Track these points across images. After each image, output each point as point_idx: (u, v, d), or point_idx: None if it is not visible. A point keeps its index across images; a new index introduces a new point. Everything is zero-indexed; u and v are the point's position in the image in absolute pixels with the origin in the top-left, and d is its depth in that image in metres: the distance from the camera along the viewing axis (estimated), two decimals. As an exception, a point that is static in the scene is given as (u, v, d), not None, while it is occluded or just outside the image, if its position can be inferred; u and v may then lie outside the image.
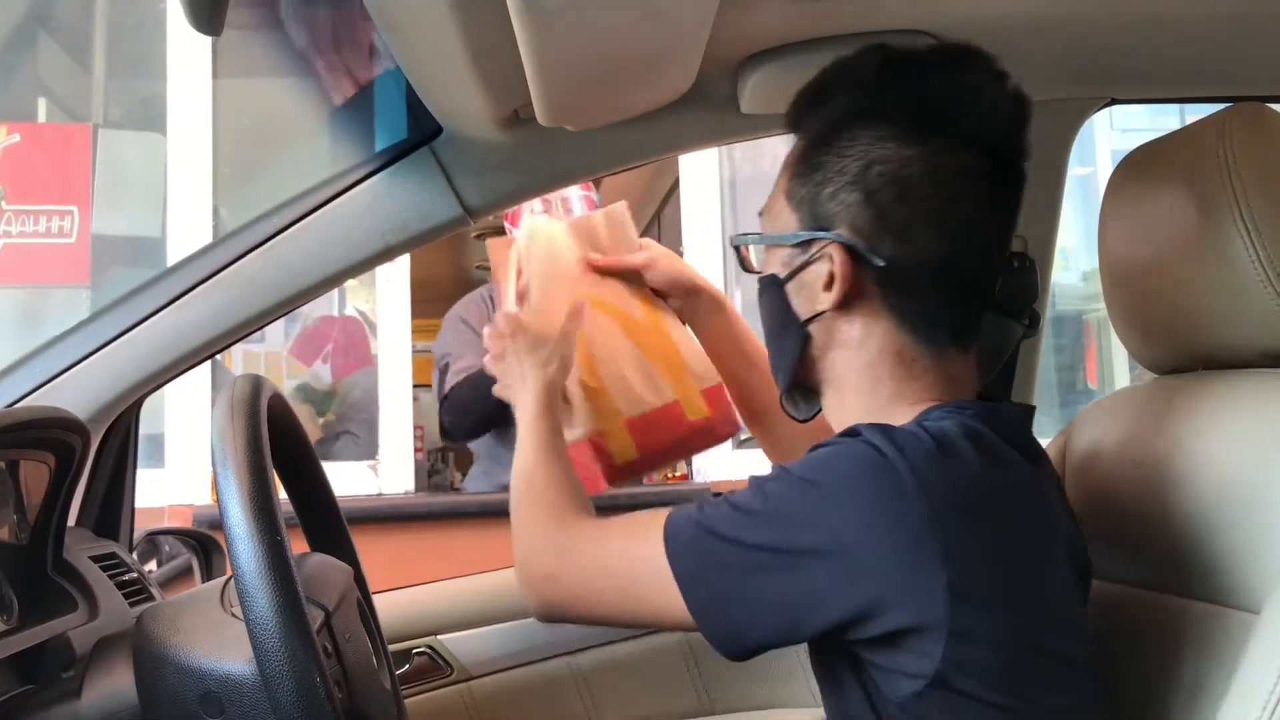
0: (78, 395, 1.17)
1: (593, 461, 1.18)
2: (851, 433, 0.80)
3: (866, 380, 0.88)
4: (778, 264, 0.91)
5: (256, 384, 0.85)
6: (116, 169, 2.85)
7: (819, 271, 0.86)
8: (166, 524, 2.15)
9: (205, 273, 1.19)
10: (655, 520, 0.84)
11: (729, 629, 0.80)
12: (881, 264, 0.84)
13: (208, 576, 1.46)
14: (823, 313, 0.87)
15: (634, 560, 0.85)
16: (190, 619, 0.81)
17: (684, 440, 1.22)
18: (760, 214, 0.95)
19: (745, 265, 0.97)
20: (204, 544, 1.49)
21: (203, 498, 2.55)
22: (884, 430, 0.78)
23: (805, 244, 0.87)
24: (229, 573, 1.27)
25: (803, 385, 0.93)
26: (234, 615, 0.78)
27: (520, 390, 1.09)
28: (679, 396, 1.21)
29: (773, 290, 0.91)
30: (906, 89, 0.85)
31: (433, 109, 1.15)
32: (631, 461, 1.21)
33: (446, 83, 1.07)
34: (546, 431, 1.05)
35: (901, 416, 0.83)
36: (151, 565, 1.73)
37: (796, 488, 0.78)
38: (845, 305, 0.86)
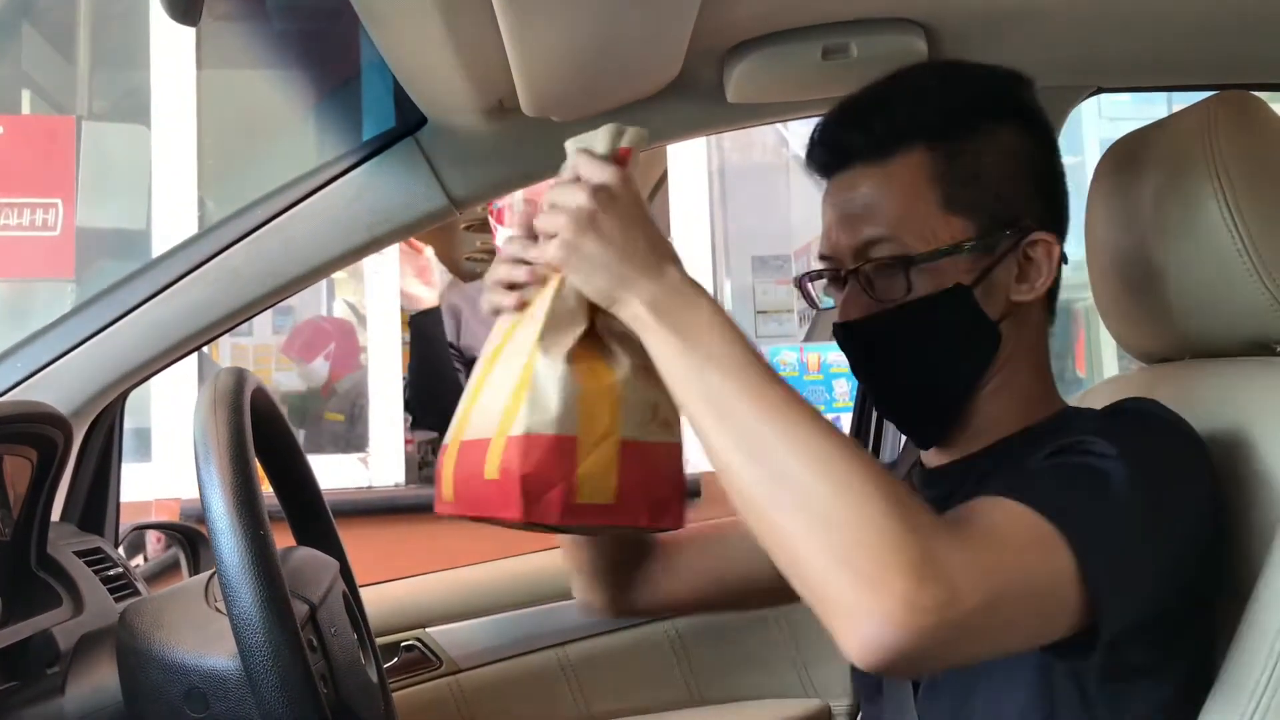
0: (61, 389, 1.16)
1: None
2: (1118, 408, 0.83)
3: (1036, 368, 0.90)
4: (953, 275, 0.86)
5: (240, 377, 0.84)
6: (101, 161, 2.83)
7: (1008, 268, 0.87)
8: (153, 518, 2.14)
9: (189, 265, 1.18)
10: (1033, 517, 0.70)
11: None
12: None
13: (195, 571, 1.45)
14: (1019, 305, 0.87)
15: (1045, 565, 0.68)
16: (174, 614, 0.80)
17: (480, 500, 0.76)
18: (870, 244, 0.87)
19: (869, 292, 0.87)
20: (190, 538, 1.48)
21: (190, 492, 2.53)
22: (1152, 403, 0.83)
23: (990, 243, 0.86)
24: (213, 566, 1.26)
25: (956, 405, 0.89)
26: (218, 610, 0.78)
27: (655, 293, 0.74)
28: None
29: (959, 301, 0.86)
30: (994, 87, 0.90)
31: (417, 99, 1.14)
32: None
33: (430, 73, 1.06)
34: (769, 374, 0.72)
35: (1057, 401, 0.90)
36: (138, 560, 1.73)
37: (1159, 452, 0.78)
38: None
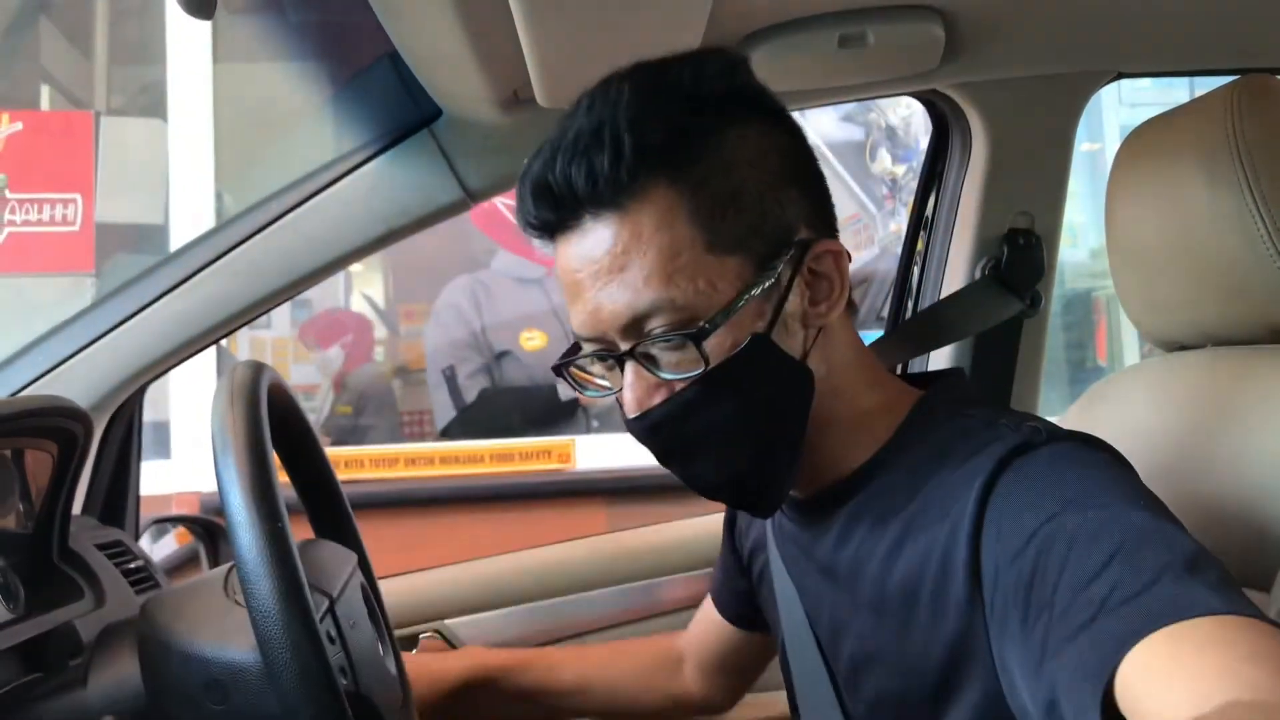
0: (81, 383, 1.17)
1: None
2: (1028, 444, 0.70)
3: (861, 372, 0.81)
4: (746, 326, 0.74)
5: (257, 370, 0.84)
6: (119, 156, 2.84)
7: (799, 293, 0.76)
8: (172, 512, 2.16)
9: (207, 259, 1.18)
10: None
11: None
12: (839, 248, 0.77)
13: (214, 563, 1.46)
14: (819, 333, 0.77)
15: None
16: (194, 606, 0.81)
17: None
18: (641, 318, 0.73)
19: (655, 372, 0.75)
20: (210, 530, 1.48)
21: (209, 486, 2.55)
22: (1049, 427, 0.73)
23: (772, 276, 0.74)
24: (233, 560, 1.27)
25: (791, 461, 0.79)
26: (237, 602, 0.78)
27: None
28: None
29: (761, 352, 0.74)
30: (716, 80, 0.77)
31: (432, 91, 1.14)
32: None
33: (445, 64, 1.06)
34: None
35: (882, 419, 0.80)
36: (158, 552, 1.74)
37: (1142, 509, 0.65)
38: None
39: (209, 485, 2.56)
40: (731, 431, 0.76)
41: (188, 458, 2.59)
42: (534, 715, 1.22)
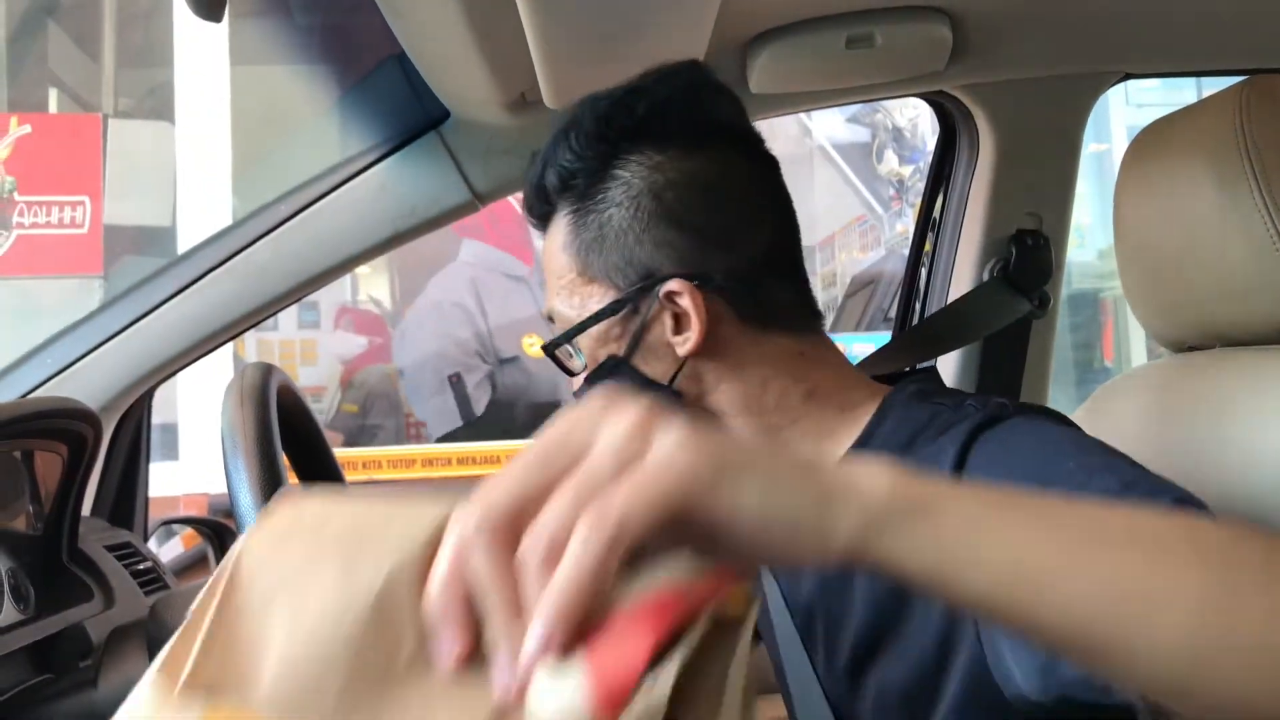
0: (90, 385, 1.18)
1: None
2: (993, 418, 0.70)
3: (770, 399, 0.82)
4: (607, 346, 0.82)
5: (266, 372, 0.85)
6: (127, 159, 2.86)
7: (661, 323, 0.80)
8: (181, 513, 2.16)
9: (215, 261, 1.19)
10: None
11: None
12: (719, 277, 0.80)
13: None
14: (685, 360, 0.80)
15: None
16: (204, 608, 0.81)
17: None
18: (550, 319, 0.86)
19: (569, 370, 0.86)
20: (219, 532, 1.49)
21: (217, 487, 2.56)
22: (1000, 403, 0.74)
23: (633, 306, 0.80)
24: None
25: None
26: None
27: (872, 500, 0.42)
28: None
29: (614, 370, 0.82)
30: (646, 113, 0.82)
31: (439, 93, 1.14)
32: None
33: (452, 66, 1.06)
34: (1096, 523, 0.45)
35: (852, 422, 0.80)
36: (166, 553, 1.74)
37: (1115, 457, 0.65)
38: (709, 338, 0.79)
39: (216, 487, 2.57)
40: None
41: (195, 459, 2.60)
42: None
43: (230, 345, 1.48)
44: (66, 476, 1.01)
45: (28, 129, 2.79)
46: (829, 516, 0.40)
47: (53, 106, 3.44)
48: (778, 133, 3.43)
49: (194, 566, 1.59)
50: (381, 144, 1.21)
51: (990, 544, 0.42)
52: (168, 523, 1.47)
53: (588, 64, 1.02)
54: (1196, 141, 0.89)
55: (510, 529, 0.38)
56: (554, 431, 0.40)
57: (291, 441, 0.94)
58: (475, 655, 0.37)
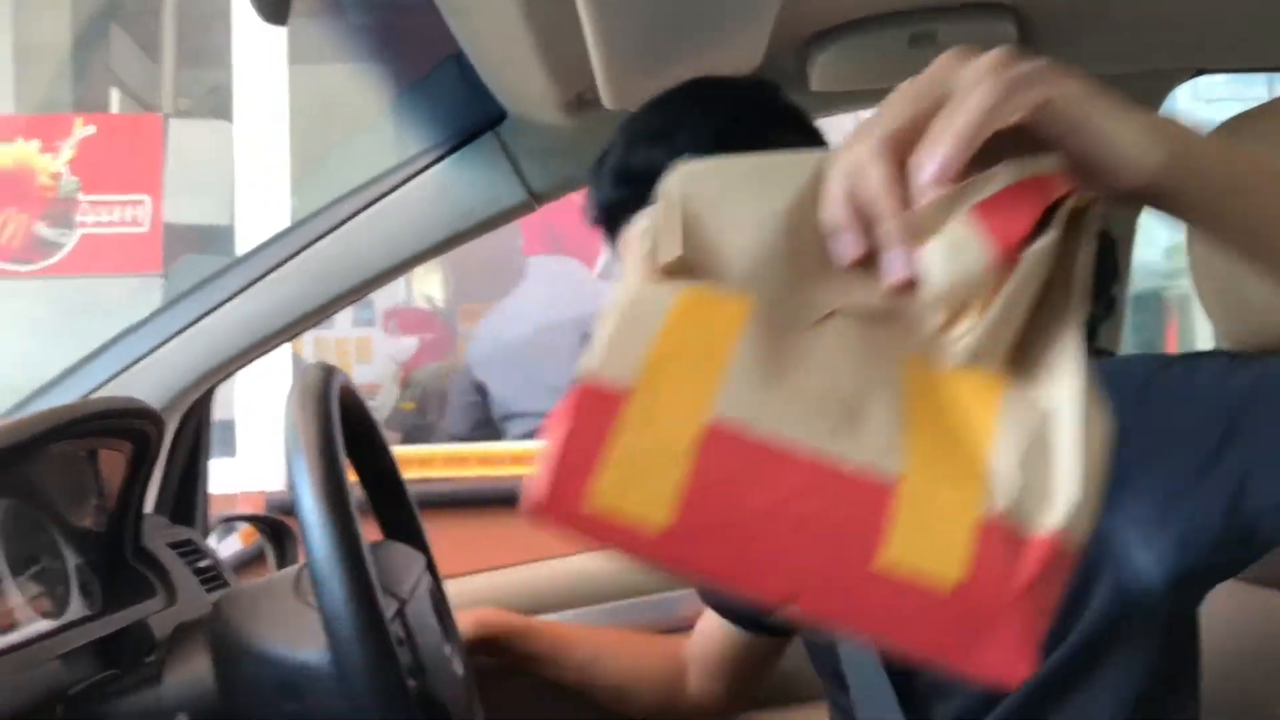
0: (152, 384, 1.19)
1: None
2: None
3: None
4: None
5: (328, 373, 0.85)
6: (186, 158, 2.90)
7: None
8: (239, 510, 2.19)
9: (274, 262, 1.20)
10: None
11: None
12: None
13: (281, 562, 1.48)
14: None
15: None
16: (266, 607, 0.81)
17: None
18: None
19: None
20: (277, 530, 1.50)
21: (274, 485, 2.58)
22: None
23: None
24: (300, 559, 1.28)
25: None
26: (308, 604, 0.79)
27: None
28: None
29: None
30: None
31: (497, 93, 1.14)
32: None
33: (511, 66, 1.06)
34: None
35: None
36: (225, 549, 1.76)
37: None
38: None
39: (274, 484, 2.59)
40: None
41: (253, 456, 2.62)
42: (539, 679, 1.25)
43: (288, 343, 1.49)
44: (130, 474, 1.02)
45: (92, 130, 2.84)
46: (1151, 144, 0.48)
47: (114, 107, 3.50)
48: (831, 126, 3.40)
49: (252, 563, 1.61)
50: (439, 145, 1.21)
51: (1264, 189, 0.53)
52: (227, 520, 1.49)
53: (647, 64, 1.01)
54: (1272, 138, 0.87)
55: (894, 149, 0.46)
56: (918, 78, 0.49)
57: (353, 443, 0.94)
58: (868, 258, 0.46)
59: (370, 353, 3.78)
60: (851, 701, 0.92)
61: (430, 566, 0.97)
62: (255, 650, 0.78)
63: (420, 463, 2.75)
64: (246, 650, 0.79)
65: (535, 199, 1.21)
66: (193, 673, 0.83)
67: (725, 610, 1.18)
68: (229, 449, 2.64)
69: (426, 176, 1.20)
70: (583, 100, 1.12)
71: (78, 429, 0.88)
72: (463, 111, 1.21)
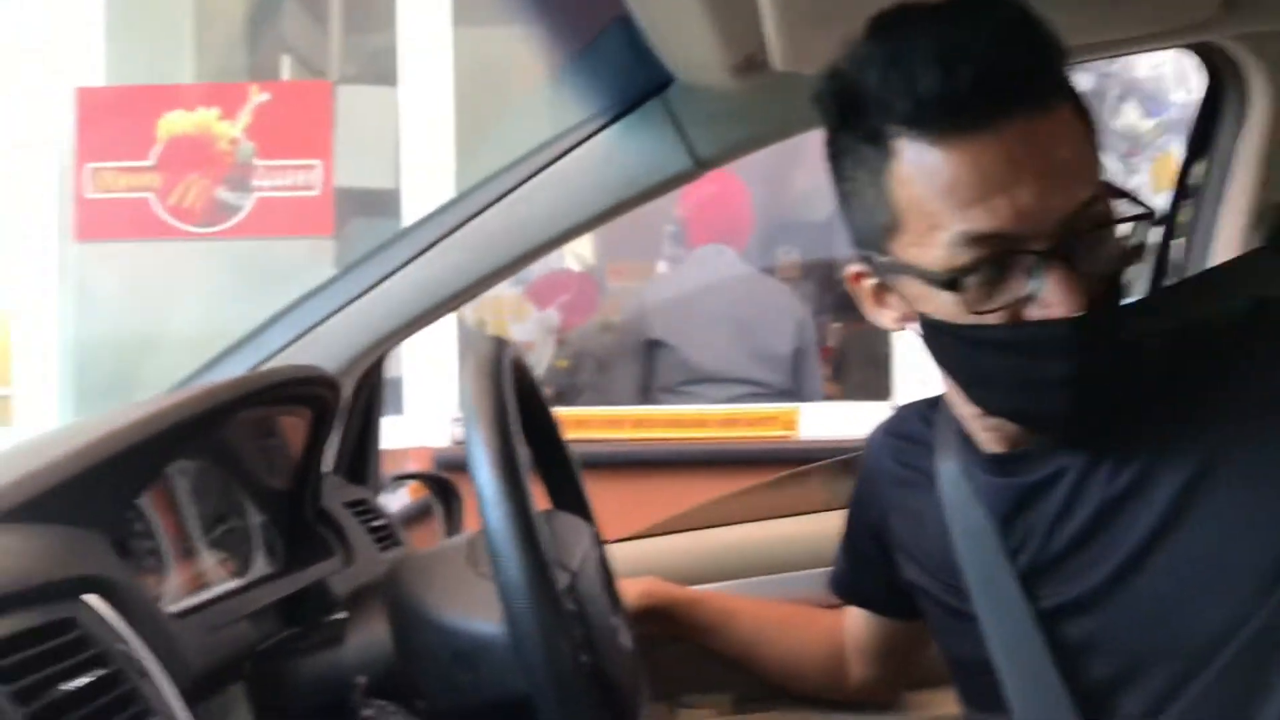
0: (328, 349, 1.23)
1: None
2: None
3: None
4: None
5: (500, 346, 0.86)
6: (354, 124, 2.98)
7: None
8: (409, 468, 2.26)
9: (444, 230, 1.21)
10: None
11: None
12: None
13: (448, 517, 1.52)
14: None
15: None
16: (441, 576, 0.83)
17: None
18: (1085, 206, 0.76)
19: (1074, 268, 0.78)
20: (444, 488, 1.54)
21: (441, 441, 2.66)
22: None
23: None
24: (466, 518, 1.31)
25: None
26: (481, 574, 0.80)
27: None
28: None
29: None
30: None
31: (664, 57, 1.12)
32: None
33: (680, 30, 1.04)
34: None
35: None
36: (394, 503, 1.82)
37: None
38: None
39: (440, 440, 2.67)
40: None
41: (420, 414, 2.70)
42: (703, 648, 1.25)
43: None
44: (310, 438, 1.05)
45: (266, 97, 2.94)
46: None
47: (284, 72, 3.62)
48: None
49: (420, 517, 1.66)
50: (604, 112, 1.20)
51: None
52: (399, 478, 1.54)
53: (822, 21, 0.97)
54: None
55: None
56: None
57: (523, 414, 0.95)
58: None
59: (526, 311, 3.84)
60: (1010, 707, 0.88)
61: (596, 537, 0.97)
62: (431, 618, 0.80)
63: (576, 424, 2.78)
64: (423, 618, 0.80)
65: (700, 165, 1.19)
66: (372, 636, 0.86)
67: (857, 597, 1.16)
68: (397, 407, 2.73)
69: (591, 144, 1.19)
70: (752, 62, 1.09)
71: (263, 397, 0.92)
72: (628, 77, 1.20)
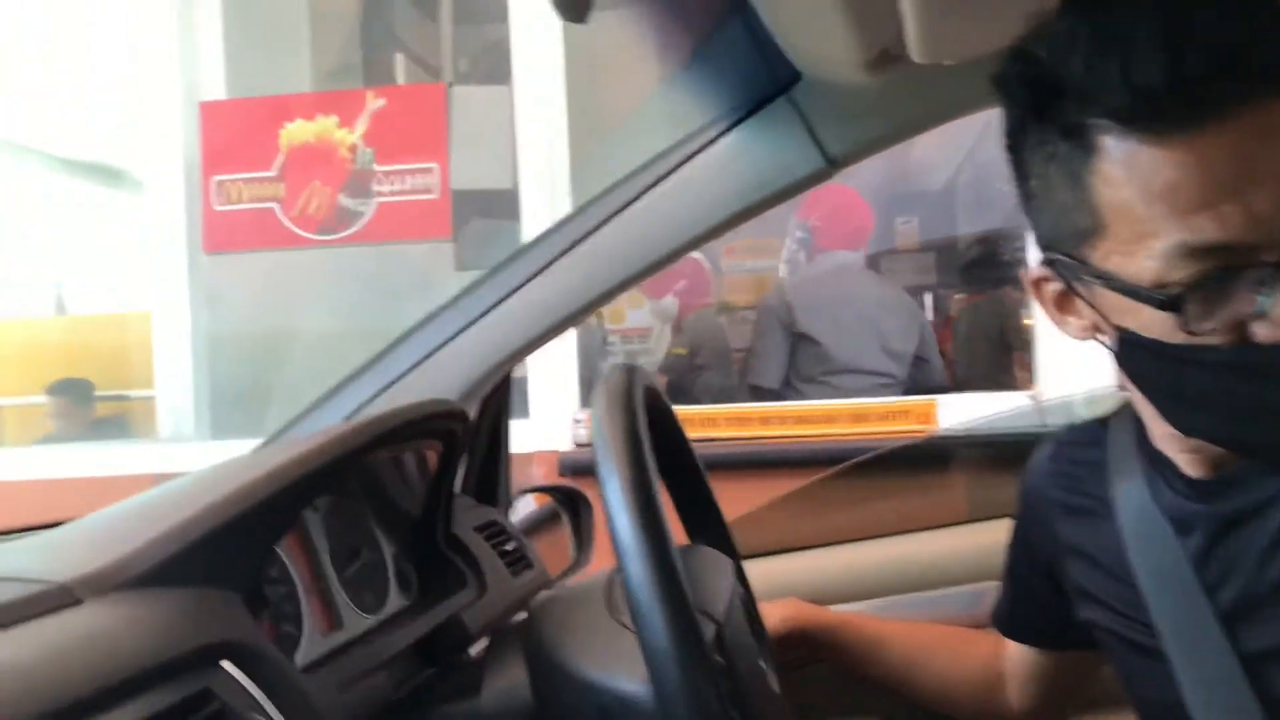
0: (455, 369, 1.20)
1: None
2: None
3: None
4: None
5: (631, 375, 0.82)
6: (469, 124, 2.98)
7: None
8: (535, 476, 2.25)
9: (566, 244, 1.17)
10: None
11: None
12: None
13: (576, 530, 1.49)
14: None
15: None
16: (580, 623, 0.79)
17: None
18: None
19: None
20: (572, 498, 1.52)
21: (566, 444, 2.64)
22: None
23: None
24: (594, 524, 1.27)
25: None
26: (623, 624, 0.76)
27: None
28: None
29: None
30: None
31: (791, 52, 1.05)
32: None
33: (810, 24, 0.97)
34: None
35: None
36: (520, 510, 1.80)
37: None
38: None
39: (565, 444, 2.66)
40: None
41: (545, 418, 2.69)
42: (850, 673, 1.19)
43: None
44: (440, 469, 1.03)
45: (382, 102, 2.96)
46: None
47: (398, 71, 3.65)
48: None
49: (545, 524, 1.64)
50: (728, 113, 1.14)
51: None
52: (527, 492, 1.52)
53: (972, 10, 0.90)
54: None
55: None
56: None
57: (657, 443, 0.90)
58: None
59: (641, 299, 3.82)
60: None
61: (740, 573, 0.93)
62: (572, 671, 0.76)
63: (702, 423, 2.73)
64: (564, 670, 0.77)
65: (832, 164, 1.12)
66: (510, 685, 0.83)
67: (1023, 633, 1.08)
68: (522, 410, 2.72)
69: (717, 147, 1.14)
70: (886, 56, 1.02)
71: (396, 436, 0.89)
72: (751, 75, 1.14)
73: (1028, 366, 2.97)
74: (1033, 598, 1.02)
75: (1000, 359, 3.87)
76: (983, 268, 4.51)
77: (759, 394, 3.00)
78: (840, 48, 1.00)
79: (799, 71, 1.10)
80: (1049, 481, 0.96)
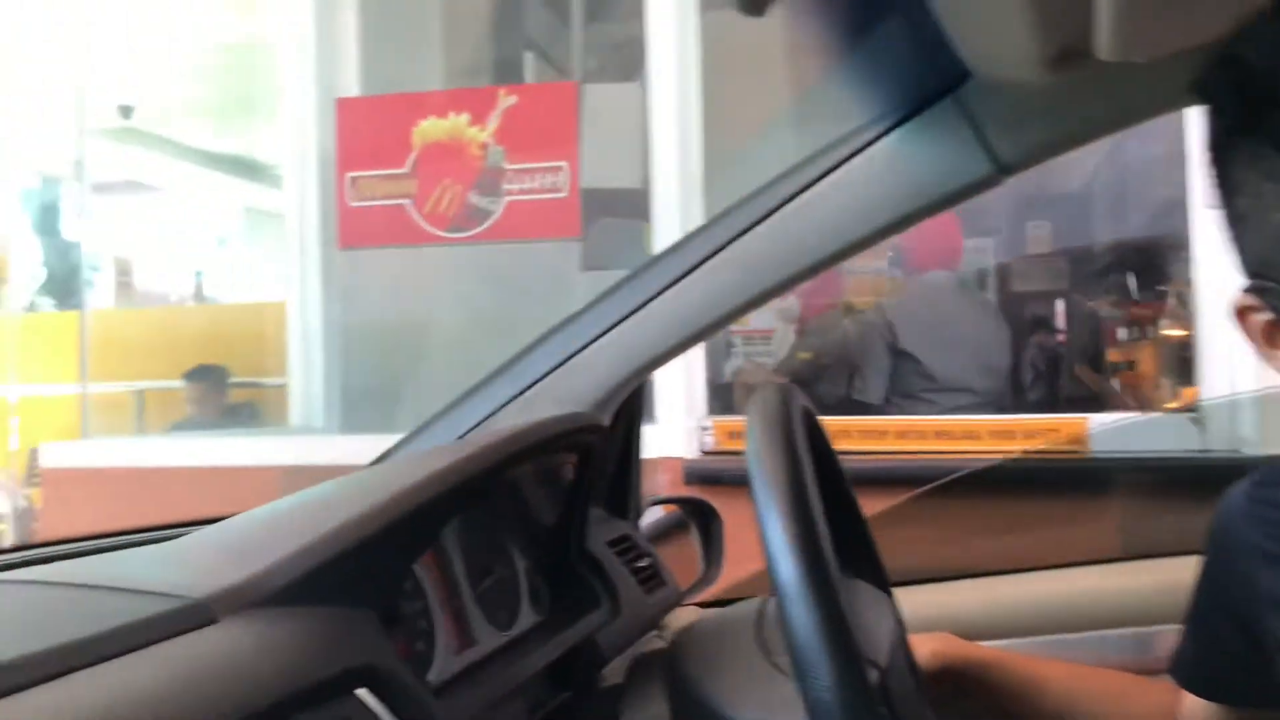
0: (590, 377, 1.16)
1: None
2: None
3: None
4: None
5: (787, 396, 0.76)
6: (600, 123, 2.95)
7: None
8: (660, 483, 2.22)
9: (707, 252, 1.12)
10: None
11: None
12: None
13: (705, 541, 1.45)
14: None
15: None
16: (729, 661, 0.74)
17: None
18: None
19: None
20: (701, 509, 1.47)
21: (691, 450, 2.59)
22: None
23: None
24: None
25: None
26: (777, 667, 0.70)
27: None
28: None
29: None
30: None
31: (964, 52, 0.98)
32: None
33: (987, 20, 0.90)
34: None
35: None
36: (647, 517, 1.77)
37: None
38: None
39: (689, 451, 2.61)
40: None
41: (671, 424, 2.65)
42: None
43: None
44: (577, 482, 1.00)
45: (513, 100, 2.96)
46: None
47: (527, 69, 3.66)
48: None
49: (673, 533, 1.60)
50: (886, 114, 1.07)
51: None
52: (657, 503, 1.48)
53: (1167, 4, 0.82)
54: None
55: None
56: None
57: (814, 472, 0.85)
58: None
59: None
60: None
61: (896, 613, 0.86)
62: (720, 712, 0.71)
63: (834, 435, 2.66)
64: (709, 710, 0.72)
65: (1002, 170, 1.04)
66: (650, 714, 0.78)
67: (1208, 689, 0.98)
68: (649, 414, 2.69)
69: (873, 150, 1.07)
70: (1069, 53, 0.94)
71: (537, 451, 0.86)
72: (913, 74, 1.06)
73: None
74: (1222, 649, 0.93)
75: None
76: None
77: (862, 409, 3.03)
78: (1019, 44, 0.92)
79: (968, 70, 1.02)
80: (1247, 524, 0.87)
